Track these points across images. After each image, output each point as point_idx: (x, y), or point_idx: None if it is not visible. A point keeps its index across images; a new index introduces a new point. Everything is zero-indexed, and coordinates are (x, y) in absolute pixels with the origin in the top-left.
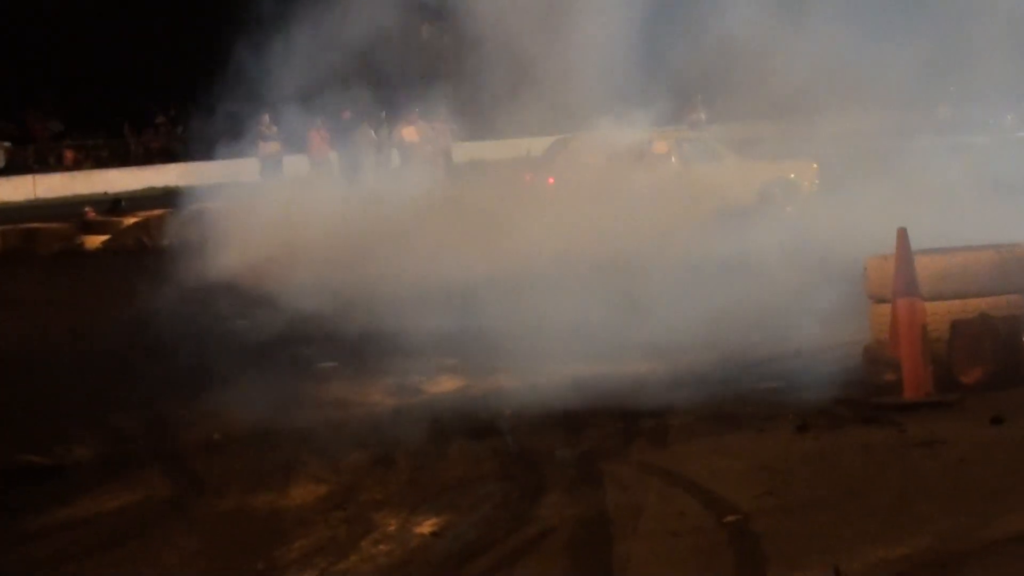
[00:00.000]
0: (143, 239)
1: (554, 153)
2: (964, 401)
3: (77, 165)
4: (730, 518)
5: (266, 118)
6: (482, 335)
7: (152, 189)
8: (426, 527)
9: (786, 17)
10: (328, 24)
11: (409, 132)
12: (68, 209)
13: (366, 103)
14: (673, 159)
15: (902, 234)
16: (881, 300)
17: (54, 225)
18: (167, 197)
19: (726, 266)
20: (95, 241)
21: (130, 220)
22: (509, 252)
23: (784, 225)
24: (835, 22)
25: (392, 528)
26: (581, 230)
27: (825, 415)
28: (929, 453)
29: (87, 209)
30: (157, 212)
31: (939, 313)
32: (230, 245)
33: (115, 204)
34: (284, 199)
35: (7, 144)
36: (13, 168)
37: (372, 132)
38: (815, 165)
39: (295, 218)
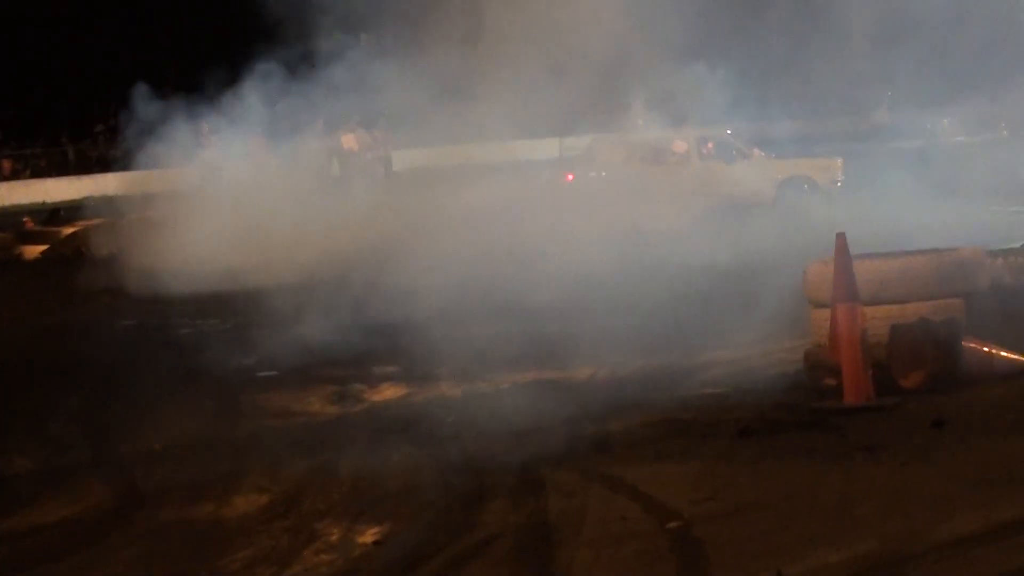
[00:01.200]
0: (82, 249)
1: (586, 152)
2: (904, 405)
3: (15, 175)
4: (673, 524)
5: (205, 126)
6: (426, 342)
7: (91, 198)
8: (369, 536)
9: (729, 21)
10: (270, 32)
11: (348, 140)
12: (6, 219)
13: (306, 110)
14: (694, 158)
15: (841, 239)
16: (821, 305)
17: None
18: (106, 206)
19: (681, 270)
20: (33, 251)
21: (69, 230)
22: (467, 255)
23: (765, 226)
24: (776, 28)
25: (334, 537)
26: (573, 230)
27: (767, 420)
28: (870, 457)
29: (25, 219)
30: (96, 221)
31: (879, 317)
32: (169, 254)
33: (53, 214)
34: (225, 207)
35: None
36: None
37: (313, 140)
38: (838, 162)
39: (236, 226)
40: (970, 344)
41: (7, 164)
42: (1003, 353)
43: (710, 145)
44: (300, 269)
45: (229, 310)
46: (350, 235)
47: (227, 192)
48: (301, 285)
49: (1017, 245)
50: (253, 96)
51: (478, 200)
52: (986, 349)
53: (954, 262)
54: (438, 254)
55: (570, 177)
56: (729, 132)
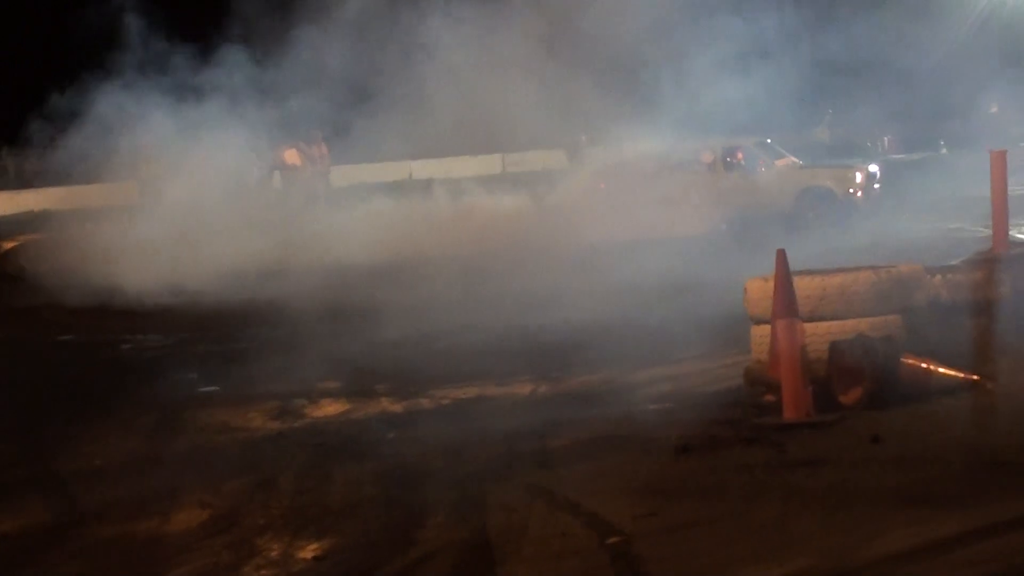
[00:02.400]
0: (22, 263)
1: (619, 161)
2: (844, 421)
3: None
4: (613, 539)
5: (147, 140)
6: (366, 357)
7: (30, 213)
8: (309, 551)
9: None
10: (211, 45)
11: (291, 155)
12: None
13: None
14: (718, 167)
15: (781, 255)
16: (761, 321)
17: None
18: (46, 221)
19: (640, 285)
20: None
21: (9, 244)
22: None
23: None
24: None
25: (275, 553)
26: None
27: (706, 436)
28: (810, 473)
29: None
30: (36, 236)
31: (818, 334)
32: (110, 269)
33: None
34: (165, 222)
35: None
36: None
37: (254, 154)
38: (852, 172)
39: (177, 241)
40: (908, 360)
41: None
42: (940, 369)
43: (739, 155)
44: (241, 285)
45: (170, 325)
46: (291, 252)
47: (167, 207)
48: (243, 301)
49: (955, 262)
50: (194, 110)
51: (437, 214)
52: (924, 365)
53: (892, 279)
54: (385, 270)
55: (602, 186)
56: (768, 140)
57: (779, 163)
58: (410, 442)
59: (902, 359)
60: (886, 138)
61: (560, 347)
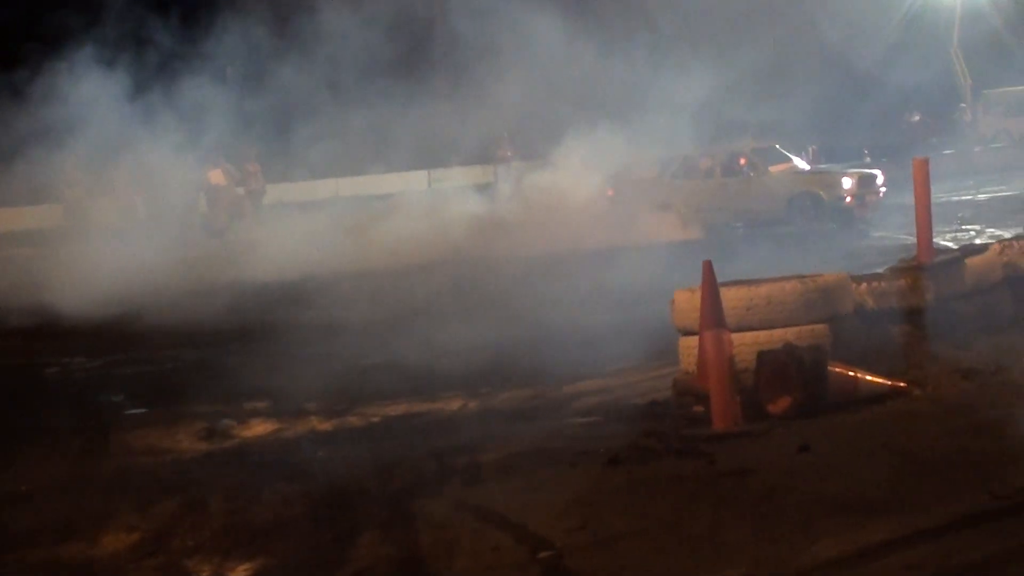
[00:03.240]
0: None
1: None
2: (772, 430)
3: None
4: (544, 553)
5: (71, 162)
6: (295, 376)
7: None
8: (240, 571)
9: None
10: (136, 68)
11: (215, 175)
12: None
13: (175, 145)
14: (716, 173)
15: (708, 267)
16: (689, 332)
17: None
18: None
19: (559, 299)
20: None
21: None
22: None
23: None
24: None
25: (205, 574)
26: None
27: (636, 448)
28: (739, 483)
29: None
30: None
31: (746, 344)
32: (34, 291)
33: None
34: (89, 244)
35: None
36: None
37: (181, 175)
38: (847, 179)
39: (106, 261)
40: (835, 369)
41: None
42: (867, 377)
43: (742, 160)
44: (168, 306)
45: (97, 347)
46: (216, 270)
47: (92, 228)
48: (170, 322)
49: (880, 270)
50: (120, 132)
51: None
52: (851, 373)
53: (819, 288)
54: (313, 287)
55: (611, 192)
56: (777, 145)
57: (774, 169)
58: (340, 460)
59: (829, 367)
60: (811, 148)
61: (490, 362)
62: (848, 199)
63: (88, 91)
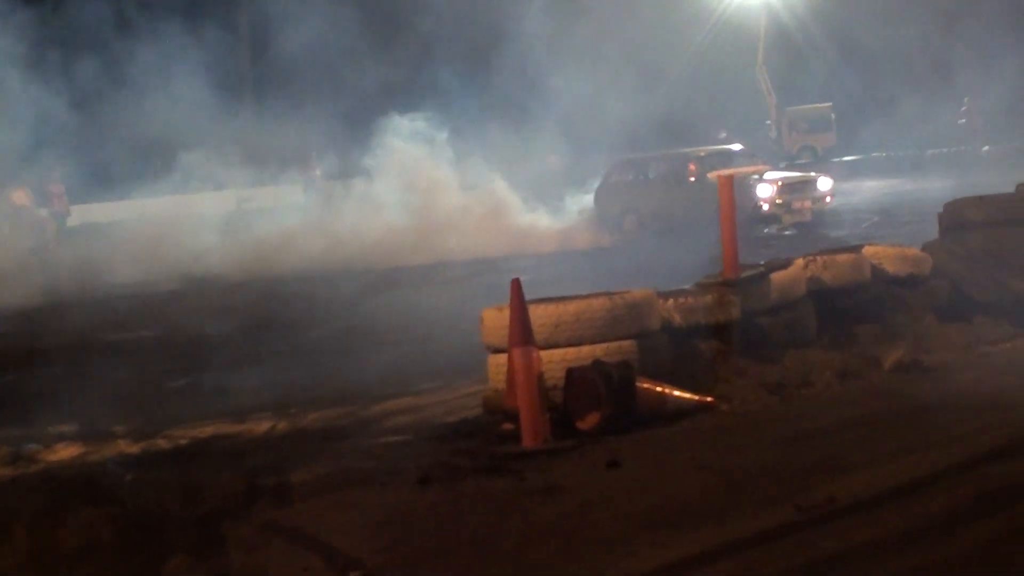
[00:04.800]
0: None
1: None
2: (582, 447)
3: None
4: (354, 574)
5: None
6: (102, 398)
7: None
8: None
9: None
10: None
11: (18, 196)
12: None
13: None
14: (666, 179)
15: (516, 285)
16: (498, 350)
17: None
18: None
19: (373, 315)
20: None
21: None
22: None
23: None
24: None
25: None
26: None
27: (446, 466)
28: (548, 500)
29: None
30: None
31: (554, 360)
32: None
33: None
34: None
35: None
36: None
37: None
38: (761, 187)
39: None
40: (643, 384)
41: None
42: (675, 392)
43: (691, 166)
44: None
45: None
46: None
47: None
48: None
49: (687, 286)
50: None
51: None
52: (659, 389)
53: (626, 304)
54: (121, 310)
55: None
56: (739, 147)
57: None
58: (148, 484)
59: (638, 383)
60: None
61: (299, 381)
62: (766, 206)
63: None
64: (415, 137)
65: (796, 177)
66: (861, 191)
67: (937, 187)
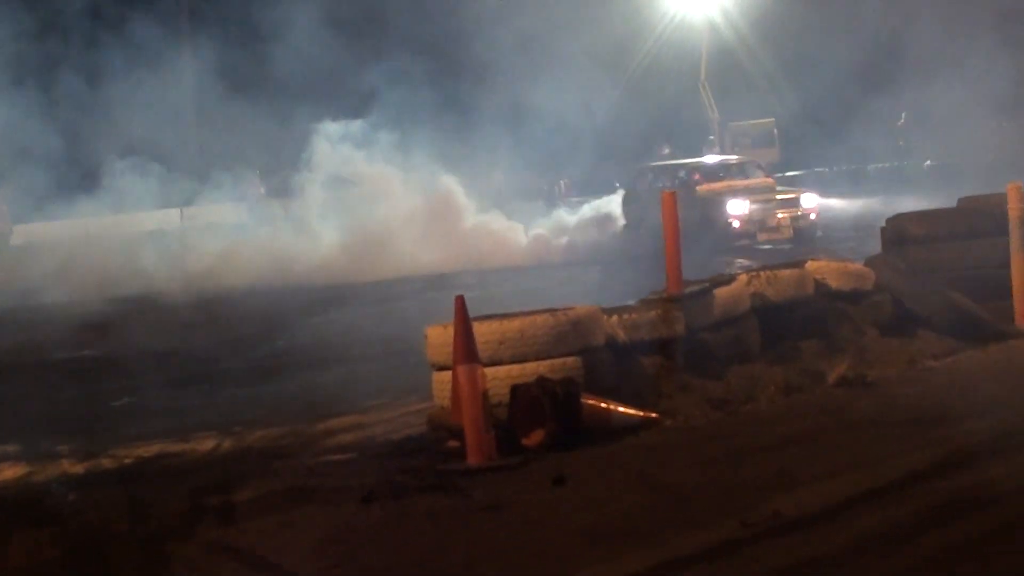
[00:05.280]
0: None
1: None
2: (527, 464)
3: None
4: None
5: None
6: (46, 417)
7: None
8: None
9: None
10: None
11: None
12: None
13: None
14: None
15: (459, 302)
16: (443, 368)
17: None
18: None
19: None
20: None
21: None
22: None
23: None
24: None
25: None
26: None
27: (392, 484)
28: (494, 517)
29: None
30: None
31: (499, 378)
32: None
33: None
34: None
35: None
36: None
37: None
38: (731, 204)
39: None
40: (588, 401)
41: None
42: (620, 408)
43: (696, 176)
44: None
45: None
46: None
47: None
48: None
49: (631, 302)
50: None
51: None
52: (604, 405)
53: (570, 321)
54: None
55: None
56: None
57: (704, 187)
58: (93, 503)
59: (583, 399)
60: (562, 182)
61: (245, 399)
62: (737, 223)
63: None
64: (350, 141)
65: (781, 196)
66: None
67: (879, 201)
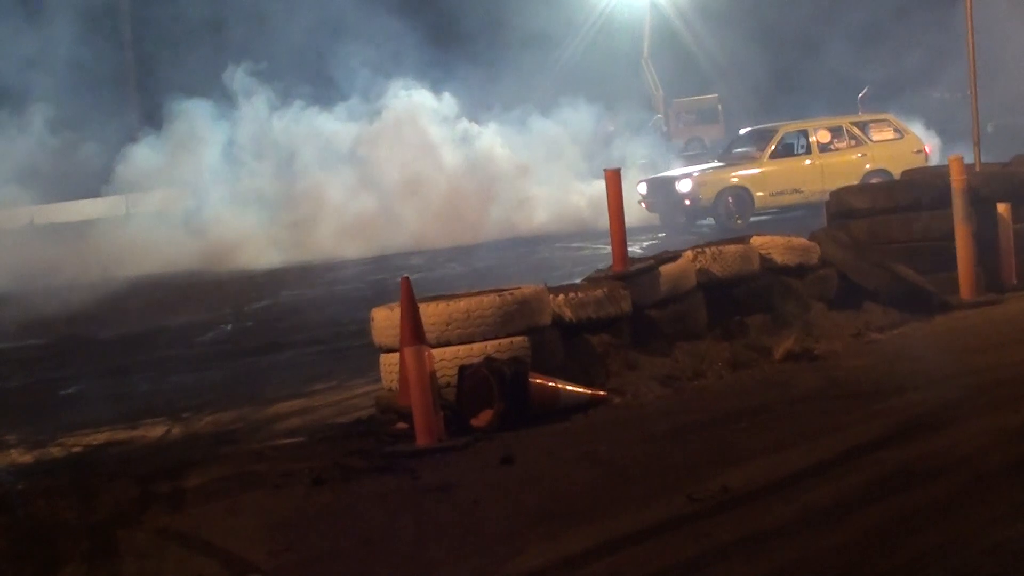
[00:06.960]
0: None
1: None
2: (475, 444)
3: None
4: None
5: None
6: None
7: None
8: None
9: None
10: None
11: None
12: None
13: None
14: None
15: (406, 283)
16: (390, 350)
17: None
18: None
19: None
20: None
21: None
22: None
23: None
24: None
25: None
26: None
27: (340, 467)
28: (443, 497)
29: None
30: None
31: (446, 358)
32: None
33: None
34: None
35: None
36: None
37: None
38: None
39: None
40: (536, 380)
41: None
42: (568, 387)
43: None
44: None
45: None
46: None
47: None
48: None
49: (577, 281)
50: None
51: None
52: (552, 384)
53: (516, 301)
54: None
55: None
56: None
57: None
58: (41, 492)
59: (530, 379)
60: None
61: (193, 385)
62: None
63: None
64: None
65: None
66: None
67: None
